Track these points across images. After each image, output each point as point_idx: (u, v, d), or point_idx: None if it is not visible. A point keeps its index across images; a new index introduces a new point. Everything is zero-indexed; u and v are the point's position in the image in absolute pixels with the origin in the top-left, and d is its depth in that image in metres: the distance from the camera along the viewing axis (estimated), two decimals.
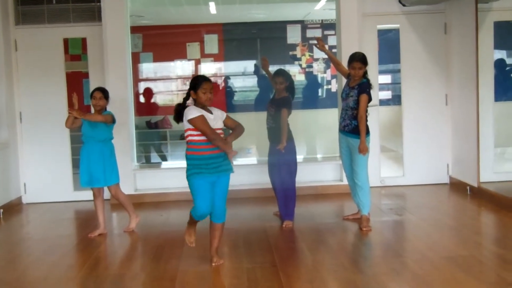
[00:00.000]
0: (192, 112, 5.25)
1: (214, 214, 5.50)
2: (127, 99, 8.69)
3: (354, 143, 6.72)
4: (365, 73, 6.78)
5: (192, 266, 5.58)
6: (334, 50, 9.59)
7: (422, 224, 6.93)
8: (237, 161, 10.00)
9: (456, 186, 8.76)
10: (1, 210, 8.12)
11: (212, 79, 10.71)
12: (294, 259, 5.80)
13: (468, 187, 8.35)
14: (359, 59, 6.72)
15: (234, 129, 5.51)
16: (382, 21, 9.06)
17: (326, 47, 7.28)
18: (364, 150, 6.62)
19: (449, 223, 7.01)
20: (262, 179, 8.55)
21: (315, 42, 7.33)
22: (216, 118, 5.37)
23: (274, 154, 7.11)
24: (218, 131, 5.35)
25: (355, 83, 6.75)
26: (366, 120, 6.74)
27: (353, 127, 6.72)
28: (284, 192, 7.09)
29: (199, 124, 5.23)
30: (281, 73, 7.12)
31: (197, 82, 5.33)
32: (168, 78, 11.25)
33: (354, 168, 6.84)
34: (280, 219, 7.18)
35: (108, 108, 7.19)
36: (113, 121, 6.79)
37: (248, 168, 9.17)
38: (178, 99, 11.05)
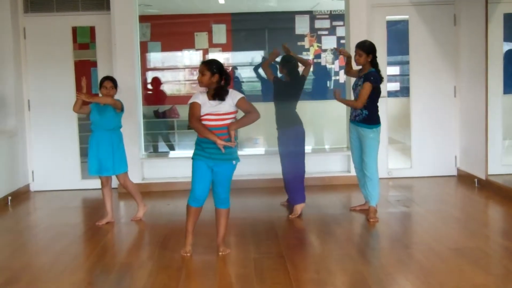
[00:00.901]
0: (192, 97, 5.40)
1: (217, 200, 5.55)
2: (135, 88, 8.70)
3: (365, 133, 6.71)
4: (374, 63, 6.74)
5: (199, 255, 5.58)
6: (342, 41, 9.59)
7: (429, 216, 6.91)
8: (244, 151, 10.04)
9: (464, 178, 8.74)
10: (9, 198, 8.16)
11: None
12: (301, 250, 5.81)
13: (476, 180, 8.33)
14: (359, 45, 6.73)
15: (244, 115, 5.47)
16: (391, 12, 9.02)
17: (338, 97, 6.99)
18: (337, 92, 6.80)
19: (456, 215, 7.00)
20: (270, 169, 8.58)
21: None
22: (222, 103, 5.34)
23: (282, 140, 7.22)
24: (226, 116, 5.35)
25: (363, 72, 6.75)
26: (377, 111, 6.73)
27: (364, 117, 6.70)
28: (293, 178, 7.12)
29: (189, 110, 5.35)
30: (283, 58, 7.34)
31: None
32: (176, 68, 11.23)
33: (363, 159, 6.82)
34: (289, 207, 7.22)
35: (116, 97, 7.18)
36: (121, 108, 6.79)
37: (256, 158, 9.20)
38: (186, 88, 11.05)
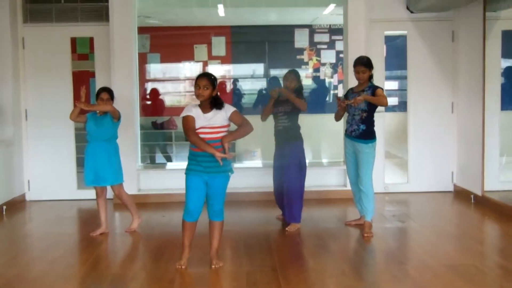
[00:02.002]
0: (184, 110, 5.38)
1: (211, 213, 5.54)
2: (132, 99, 8.71)
3: (361, 148, 6.70)
4: (371, 77, 6.77)
5: (192, 268, 5.55)
6: (341, 55, 9.62)
7: (424, 231, 6.89)
8: (242, 164, 10.04)
9: (460, 194, 8.72)
10: (4, 207, 8.14)
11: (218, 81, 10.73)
12: (295, 264, 5.78)
13: (472, 196, 8.32)
14: (362, 62, 6.70)
15: (237, 128, 5.46)
16: (389, 27, 9.04)
17: (361, 98, 6.56)
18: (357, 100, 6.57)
19: (452, 232, 6.98)
20: (267, 183, 8.53)
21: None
22: (216, 116, 5.35)
23: (284, 154, 7.12)
24: (220, 129, 5.34)
25: (362, 87, 6.73)
26: (374, 125, 6.73)
27: (361, 132, 6.70)
28: (293, 193, 7.04)
29: (183, 124, 5.35)
30: (293, 71, 7.27)
31: (196, 78, 5.41)
32: (175, 79, 11.25)
33: (359, 174, 6.81)
34: (284, 221, 7.18)
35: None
36: (119, 118, 6.78)
37: (253, 171, 9.21)
38: (185, 100, 11.08)
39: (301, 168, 7.08)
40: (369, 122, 6.71)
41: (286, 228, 6.96)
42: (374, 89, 6.62)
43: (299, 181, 7.08)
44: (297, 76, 7.20)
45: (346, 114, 6.96)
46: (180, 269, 5.49)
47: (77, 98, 6.76)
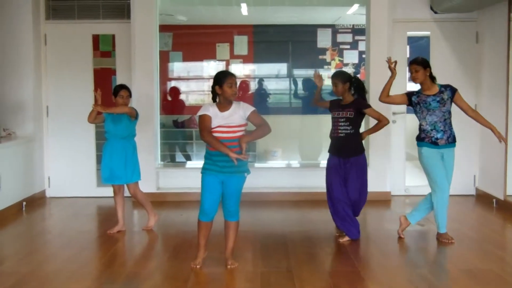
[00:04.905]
0: (201, 109, 5.34)
1: (226, 213, 5.51)
2: (153, 97, 8.71)
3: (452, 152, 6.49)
4: (433, 77, 6.44)
5: (207, 268, 5.54)
6: (363, 56, 9.54)
7: None
8: (263, 164, 10.02)
9: (482, 198, 8.61)
10: (24, 203, 8.19)
11: (239, 80, 10.73)
12: (310, 265, 5.71)
13: (494, 200, 8.20)
14: (415, 61, 6.37)
15: (256, 129, 5.41)
16: (412, 27, 8.95)
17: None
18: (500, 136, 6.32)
19: (472, 236, 6.87)
20: (287, 183, 8.54)
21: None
22: (234, 115, 5.30)
23: (352, 166, 6.52)
24: (238, 129, 5.30)
25: (434, 90, 6.39)
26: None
27: (453, 136, 6.45)
28: (356, 209, 6.71)
29: (199, 123, 5.31)
30: (336, 73, 6.64)
31: (222, 76, 5.32)
32: (197, 78, 11.25)
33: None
34: (342, 235, 6.66)
35: (134, 106, 7.19)
36: (136, 116, 6.79)
37: (273, 171, 9.16)
38: (207, 99, 11.06)
39: (366, 179, 6.73)
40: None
41: (340, 240, 6.57)
42: (453, 91, 6.33)
43: (366, 194, 6.74)
44: (343, 77, 6.52)
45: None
46: (195, 269, 5.48)
47: (94, 101, 6.76)
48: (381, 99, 6.58)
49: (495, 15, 8.21)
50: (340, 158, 6.51)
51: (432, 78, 6.43)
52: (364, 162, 6.61)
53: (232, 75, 5.35)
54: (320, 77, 6.82)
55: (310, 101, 7.35)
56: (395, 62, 6.49)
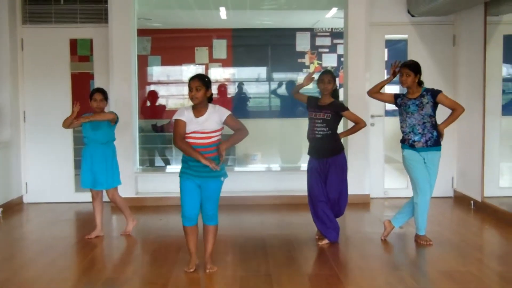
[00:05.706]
0: (176, 113, 5.32)
1: (204, 216, 5.48)
2: (131, 101, 8.67)
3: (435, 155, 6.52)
4: (421, 82, 6.45)
5: (186, 272, 5.51)
6: (342, 59, 9.57)
7: None
8: (243, 167, 10.01)
9: (460, 200, 8.66)
10: (1, 209, 8.10)
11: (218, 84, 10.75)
12: (289, 269, 5.69)
13: (472, 202, 8.25)
14: (407, 66, 6.38)
15: (233, 133, 5.37)
16: (390, 31, 9.00)
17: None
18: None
19: (450, 238, 6.89)
20: (266, 187, 8.52)
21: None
22: (209, 120, 5.26)
23: (331, 166, 6.51)
24: (213, 134, 5.27)
25: (417, 94, 6.41)
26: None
27: (435, 140, 6.47)
28: (337, 208, 6.68)
29: (174, 128, 5.28)
30: (330, 72, 6.65)
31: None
32: (176, 82, 11.23)
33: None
34: (321, 238, 6.65)
35: (111, 110, 7.14)
36: (116, 120, 6.75)
37: (253, 175, 9.13)
38: (188, 103, 11.04)
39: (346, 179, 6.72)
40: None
41: (319, 243, 6.57)
42: (434, 93, 6.34)
43: (346, 194, 6.72)
44: (334, 77, 6.52)
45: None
46: (174, 274, 5.46)
47: (73, 115, 6.64)
48: (371, 93, 6.70)
49: (472, 18, 8.28)
50: (319, 160, 6.52)
51: (420, 83, 6.45)
52: (344, 161, 6.61)
53: (193, 79, 5.28)
54: (311, 80, 6.68)
55: (289, 102, 7.35)
56: (399, 65, 6.49)
